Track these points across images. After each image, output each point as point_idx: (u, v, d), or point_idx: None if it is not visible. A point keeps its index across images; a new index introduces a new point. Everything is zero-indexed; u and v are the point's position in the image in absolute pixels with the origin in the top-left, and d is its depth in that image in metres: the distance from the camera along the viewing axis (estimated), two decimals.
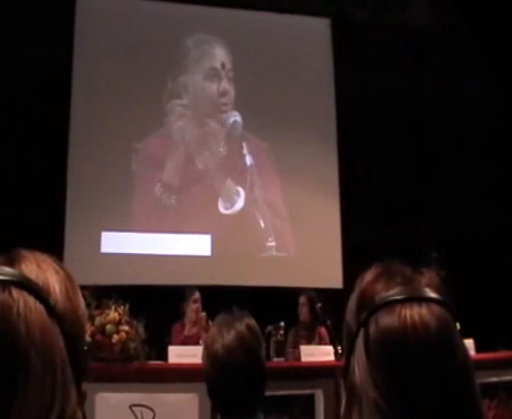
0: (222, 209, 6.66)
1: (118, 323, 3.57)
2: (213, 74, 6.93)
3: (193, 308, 5.19)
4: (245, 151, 6.79)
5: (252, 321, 1.71)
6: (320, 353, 4.24)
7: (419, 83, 7.17)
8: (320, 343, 5.01)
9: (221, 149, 6.80)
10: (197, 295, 5.25)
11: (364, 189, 6.94)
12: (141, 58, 6.68)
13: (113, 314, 3.57)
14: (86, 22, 6.61)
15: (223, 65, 6.96)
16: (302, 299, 5.38)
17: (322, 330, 5.16)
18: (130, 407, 3.36)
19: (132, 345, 3.56)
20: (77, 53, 6.54)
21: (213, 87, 6.89)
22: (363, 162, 7.09)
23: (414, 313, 0.79)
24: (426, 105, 7.29)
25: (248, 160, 6.77)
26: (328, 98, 7.17)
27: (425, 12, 7.48)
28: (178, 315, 5.28)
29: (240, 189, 6.73)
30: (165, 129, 6.70)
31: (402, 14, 7.48)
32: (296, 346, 4.65)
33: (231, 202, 6.69)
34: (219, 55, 6.98)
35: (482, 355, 4.09)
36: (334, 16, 7.35)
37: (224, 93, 6.89)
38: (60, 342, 0.73)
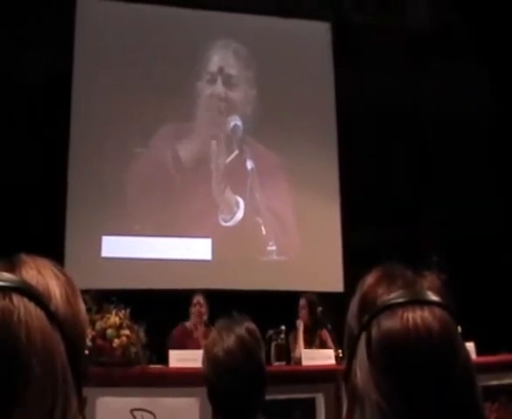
0: (222, 222, 6.65)
1: (119, 327, 3.56)
2: (210, 79, 6.93)
3: (192, 312, 5.20)
4: (245, 155, 6.80)
5: (252, 325, 1.71)
6: (321, 357, 4.23)
7: (419, 86, 7.18)
8: (321, 347, 5.00)
9: (222, 155, 6.79)
10: (197, 299, 5.25)
11: (365, 193, 6.93)
12: (141, 64, 6.69)
13: (113, 319, 3.57)
14: (86, 27, 6.62)
15: (220, 70, 6.96)
16: (302, 302, 5.38)
17: (324, 333, 5.16)
18: (131, 411, 3.36)
19: (133, 349, 3.55)
20: (77, 58, 6.55)
21: (209, 91, 6.90)
22: (363, 166, 7.09)
23: (416, 316, 0.79)
24: (426, 107, 7.29)
25: (249, 164, 6.77)
26: (328, 101, 7.18)
27: (425, 15, 7.48)
28: (182, 319, 5.30)
29: (240, 199, 6.71)
30: (167, 133, 6.71)
31: (401, 17, 7.49)
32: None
33: (230, 214, 6.68)
34: (218, 59, 6.99)
35: (483, 358, 4.08)
36: (333, 19, 7.36)
37: (220, 98, 6.90)
38: (61, 348, 0.72)
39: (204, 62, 6.96)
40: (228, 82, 6.97)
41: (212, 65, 6.98)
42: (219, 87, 6.93)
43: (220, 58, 7.02)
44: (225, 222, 6.66)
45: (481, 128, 7.16)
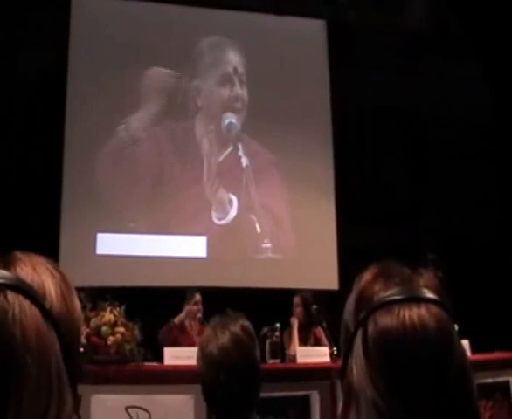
0: (215, 220, 6.64)
1: (114, 325, 3.55)
2: (203, 77, 6.91)
3: (194, 310, 5.19)
4: (240, 152, 6.78)
5: (246, 322, 1.71)
6: (316, 355, 4.24)
7: (415, 85, 7.16)
8: (315, 344, 5.01)
9: (215, 154, 6.78)
10: (197, 297, 5.25)
11: (360, 191, 6.93)
12: (136, 63, 6.66)
13: (108, 316, 3.56)
14: (81, 26, 6.58)
15: (213, 68, 6.94)
16: (296, 300, 5.38)
17: (318, 331, 5.16)
18: (126, 408, 3.35)
19: (128, 346, 3.55)
20: (72, 58, 6.52)
21: (201, 90, 6.87)
22: (358, 164, 7.09)
23: (413, 314, 0.79)
24: (422, 107, 7.28)
25: (244, 161, 6.76)
26: (323, 98, 7.16)
27: (422, 14, 7.47)
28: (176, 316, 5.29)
29: (233, 197, 6.69)
30: (163, 132, 6.70)
31: (398, 16, 7.47)
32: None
33: (224, 213, 6.66)
34: (212, 57, 6.96)
35: (478, 356, 4.09)
36: (329, 17, 7.35)
37: (212, 96, 6.88)
38: (56, 346, 0.72)
39: (197, 60, 6.94)
40: (222, 80, 6.95)
41: (206, 63, 6.95)
42: (212, 85, 6.91)
43: (214, 56, 6.99)
44: (219, 220, 6.65)
45: (479, 128, 7.15)
